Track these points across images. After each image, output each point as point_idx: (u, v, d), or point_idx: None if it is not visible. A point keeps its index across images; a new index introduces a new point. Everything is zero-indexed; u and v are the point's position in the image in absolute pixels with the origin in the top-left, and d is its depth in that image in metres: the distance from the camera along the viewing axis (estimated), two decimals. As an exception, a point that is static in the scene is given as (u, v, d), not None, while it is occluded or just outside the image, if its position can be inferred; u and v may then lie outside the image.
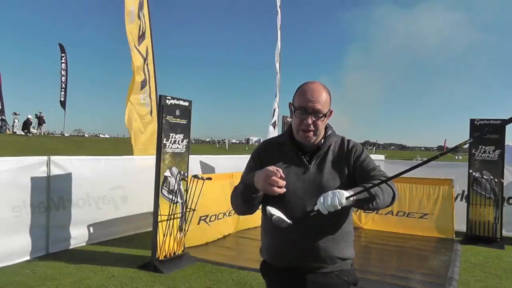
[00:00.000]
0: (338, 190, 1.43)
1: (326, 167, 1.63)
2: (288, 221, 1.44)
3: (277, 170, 1.47)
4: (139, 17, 7.22)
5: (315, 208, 1.44)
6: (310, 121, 1.58)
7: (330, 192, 1.42)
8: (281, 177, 1.46)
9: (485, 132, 6.14)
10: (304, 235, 1.57)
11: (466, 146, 1.39)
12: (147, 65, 7.44)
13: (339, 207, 1.40)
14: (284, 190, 1.48)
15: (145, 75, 7.35)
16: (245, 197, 1.59)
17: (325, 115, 1.61)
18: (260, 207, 1.72)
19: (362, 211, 6.76)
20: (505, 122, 1.34)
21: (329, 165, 1.64)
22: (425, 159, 1.53)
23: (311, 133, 1.61)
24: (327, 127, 1.72)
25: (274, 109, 10.04)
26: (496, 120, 6.22)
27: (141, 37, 7.32)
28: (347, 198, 1.41)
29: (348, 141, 1.72)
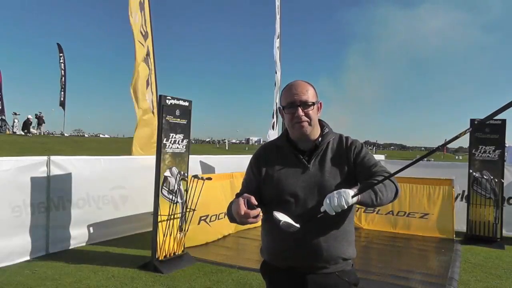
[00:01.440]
0: (343, 189, 1.42)
1: (326, 166, 1.63)
2: (296, 225, 1.43)
3: (246, 200, 1.47)
4: (140, 18, 7.23)
5: (322, 209, 1.43)
6: (301, 112, 1.60)
7: (335, 192, 1.41)
8: (251, 205, 1.46)
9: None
10: (306, 234, 1.56)
11: (466, 135, 1.35)
12: (148, 64, 7.45)
13: (346, 207, 1.39)
14: (258, 220, 1.47)
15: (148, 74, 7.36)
16: (234, 221, 1.60)
17: (313, 104, 1.62)
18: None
19: (362, 211, 6.76)
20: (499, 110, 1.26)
21: (329, 163, 1.64)
22: (425, 159, 1.52)
23: (306, 123, 1.61)
24: (323, 125, 1.72)
25: (274, 110, 10.01)
26: (496, 120, 6.21)
27: (144, 37, 7.34)
28: (352, 196, 1.40)
29: (347, 138, 1.72)
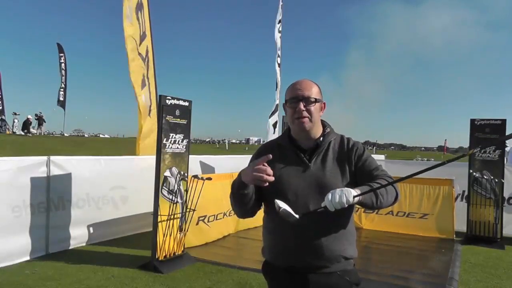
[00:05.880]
0: (346, 188, 1.44)
1: (327, 165, 1.63)
2: (296, 215, 1.45)
3: (262, 163, 1.49)
4: (137, 18, 7.22)
5: (322, 204, 1.45)
6: (302, 107, 1.61)
7: (338, 189, 1.43)
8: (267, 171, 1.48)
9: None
10: (307, 234, 1.57)
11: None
12: (147, 64, 7.43)
13: (346, 205, 1.40)
14: (272, 178, 1.48)
15: (143, 75, 7.34)
16: (236, 197, 1.61)
17: (316, 101, 1.64)
18: (263, 207, 1.72)
19: (362, 211, 6.76)
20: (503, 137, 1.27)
21: (330, 162, 1.64)
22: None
23: (306, 119, 1.62)
24: (325, 125, 1.73)
25: (276, 106, 9.94)
26: (496, 120, 6.21)
27: (141, 37, 7.33)
28: (354, 197, 1.42)
29: (348, 139, 1.72)
